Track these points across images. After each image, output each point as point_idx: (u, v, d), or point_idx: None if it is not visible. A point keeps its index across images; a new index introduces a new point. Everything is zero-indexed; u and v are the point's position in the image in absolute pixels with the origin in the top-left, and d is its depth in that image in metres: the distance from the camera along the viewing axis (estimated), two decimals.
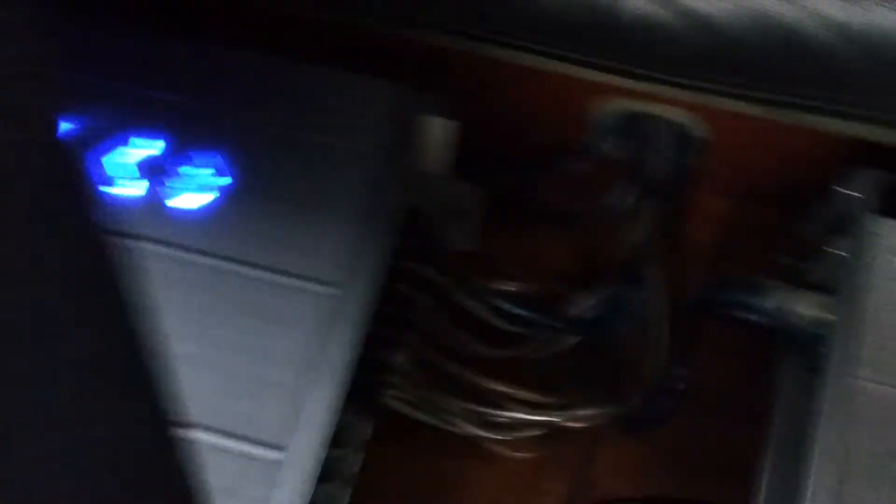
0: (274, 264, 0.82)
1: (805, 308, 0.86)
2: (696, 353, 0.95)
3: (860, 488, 0.75)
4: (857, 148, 0.89)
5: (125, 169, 0.86)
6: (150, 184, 0.85)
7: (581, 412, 0.95)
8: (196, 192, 0.85)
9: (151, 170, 0.86)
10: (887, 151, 0.87)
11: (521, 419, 0.95)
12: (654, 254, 0.97)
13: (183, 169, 0.86)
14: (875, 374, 0.79)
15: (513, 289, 0.98)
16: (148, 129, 0.87)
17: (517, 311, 0.96)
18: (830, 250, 0.87)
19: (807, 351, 0.85)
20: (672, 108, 0.92)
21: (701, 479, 0.94)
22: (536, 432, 0.95)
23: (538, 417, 0.95)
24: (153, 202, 0.85)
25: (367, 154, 0.86)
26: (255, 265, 0.82)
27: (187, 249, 0.83)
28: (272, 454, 0.76)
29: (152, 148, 0.87)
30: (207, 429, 0.77)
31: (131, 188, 0.85)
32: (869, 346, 0.79)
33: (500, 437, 0.95)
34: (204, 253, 0.83)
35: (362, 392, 0.83)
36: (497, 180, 0.98)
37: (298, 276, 0.82)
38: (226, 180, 0.86)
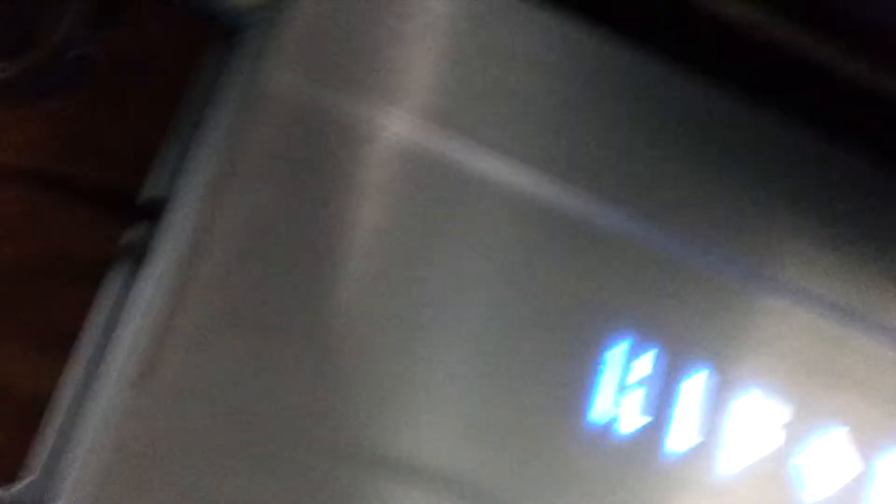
0: None
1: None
2: (119, 24, 0.81)
3: (247, 187, 0.70)
4: None
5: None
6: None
7: None
8: None
9: None
10: None
11: None
12: None
13: None
14: (295, 78, 0.73)
15: None
16: None
17: None
18: None
19: (239, 42, 0.76)
20: None
21: (94, 160, 0.82)
22: None
23: None
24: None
25: None
26: None
27: None
28: None
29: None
30: None
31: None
32: (298, 49, 0.73)
33: None
34: None
35: None
36: None
37: None
38: None
